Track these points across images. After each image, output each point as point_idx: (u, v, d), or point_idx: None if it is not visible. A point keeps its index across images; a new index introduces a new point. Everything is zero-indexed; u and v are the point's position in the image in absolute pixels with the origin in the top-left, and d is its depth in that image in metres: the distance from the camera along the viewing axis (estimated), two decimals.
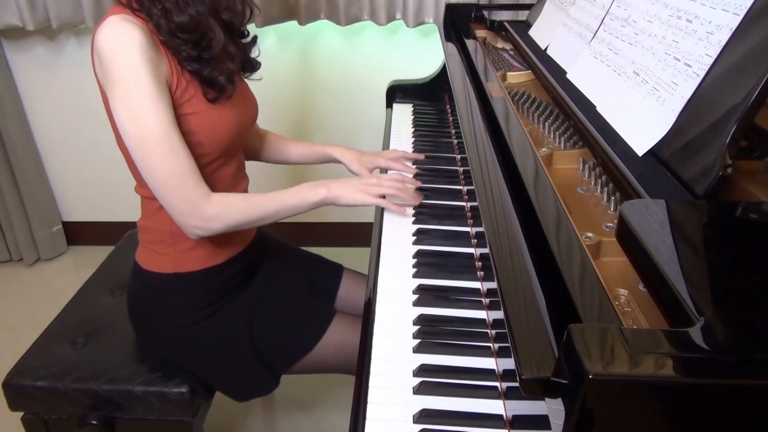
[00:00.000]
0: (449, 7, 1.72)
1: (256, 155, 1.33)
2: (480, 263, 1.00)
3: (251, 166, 1.21)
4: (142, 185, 1.06)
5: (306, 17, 1.95)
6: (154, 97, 0.90)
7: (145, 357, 1.16)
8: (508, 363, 0.77)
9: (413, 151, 1.42)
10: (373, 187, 1.08)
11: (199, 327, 1.10)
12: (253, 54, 1.12)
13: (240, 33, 1.09)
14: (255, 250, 1.21)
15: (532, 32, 1.36)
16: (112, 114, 0.95)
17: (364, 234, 1.49)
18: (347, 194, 1.06)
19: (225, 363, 1.11)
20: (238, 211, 1.01)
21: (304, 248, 1.38)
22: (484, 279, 0.96)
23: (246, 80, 1.15)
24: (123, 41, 0.89)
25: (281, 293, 1.20)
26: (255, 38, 1.13)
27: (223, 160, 1.07)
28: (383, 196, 1.09)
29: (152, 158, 0.92)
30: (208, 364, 1.12)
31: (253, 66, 1.13)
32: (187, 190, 0.95)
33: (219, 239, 1.09)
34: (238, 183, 1.13)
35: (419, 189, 1.17)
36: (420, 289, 0.95)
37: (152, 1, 0.92)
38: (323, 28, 2.04)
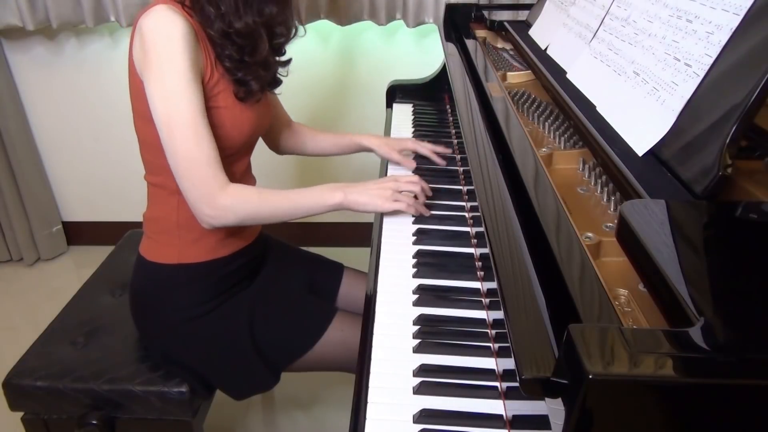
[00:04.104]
0: (449, 7, 1.72)
1: (275, 145, 1.36)
2: (480, 263, 1.00)
3: (260, 162, 1.21)
4: (151, 172, 1.08)
5: (306, 17, 1.95)
6: (189, 83, 0.94)
7: (145, 357, 1.16)
8: (508, 363, 0.78)
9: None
10: (390, 193, 1.08)
11: (201, 321, 1.10)
12: (283, 74, 1.15)
13: (278, 50, 1.11)
14: (258, 247, 1.22)
15: (532, 32, 1.36)
16: (137, 97, 0.99)
17: (364, 234, 1.49)
18: (365, 199, 1.06)
19: (225, 358, 1.12)
20: (251, 206, 1.02)
21: (305, 249, 1.38)
22: (484, 279, 0.96)
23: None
24: (167, 26, 0.93)
25: (283, 290, 1.21)
26: (290, 60, 1.15)
27: (234, 159, 1.10)
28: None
29: (178, 140, 0.95)
30: (208, 359, 1.12)
31: (277, 83, 1.16)
32: (206, 177, 0.97)
33: (224, 233, 1.11)
34: (244, 182, 1.13)
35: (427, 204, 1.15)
36: (420, 289, 0.95)
37: (210, 2, 0.96)
38: (323, 28, 2.04)
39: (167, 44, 0.93)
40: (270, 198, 1.04)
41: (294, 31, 1.10)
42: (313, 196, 1.05)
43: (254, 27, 0.99)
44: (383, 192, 1.07)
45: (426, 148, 1.33)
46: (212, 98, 1.00)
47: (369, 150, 1.36)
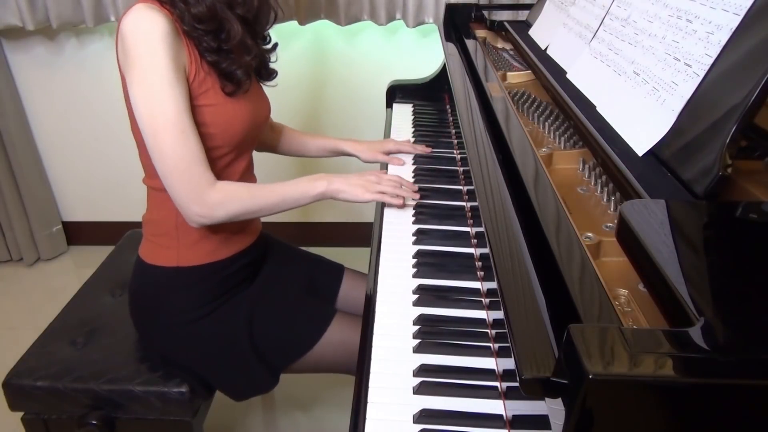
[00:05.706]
0: (449, 7, 1.72)
1: (272, 148, 1.38)
2: (480, 263, 1.00)
3: (260, 155, 1.21)
4: (150, 175, 1.08)
5: (306, 17, 1.95)
6: (171, 82, 0.93)
7: (145, 357, 1.16)
8: (508, 363, 0.78)
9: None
10: (373, 185, 1.11)
11: (200, 324, 1.10)
12: (272, 59, 1.16)
13: (262, 36, 1.12)
14: (258, 249, 1.21)
15: (532, 32, 1.36)
16: (129, 99, 0.98)
17: (364, 234, 1.50)
18: (347, 189, 1.09)
19: (224, 360, 1.11)
20: (240, 201, 1.03)
21: (305, 248, 1.38)
22: (484, 279, 0.96)
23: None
24: (146, 26, 0.92)
25: (282, 292, 1.20)
26: (276, 45, 1.16)
27: (234, 156, 1.09)
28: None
29: (163, 141, 0.95)
30: (207, 361, 1.12)
31: (269, 74, 1.16)
32: (194, 176, 0.97)
33: (224, 235, 1.10)
34: (246, 181, 1.14)
35: (418, 190, 1.18)
36: (420, 289, 0.95)
37: None
38: (323, 28, 2.04)
39: (147, 43, 0.92)
40: (258, 192, 1.05)
41: (270, 10, 1.09)
42: (299, 188, 1.08)
43: (215, 9, 0.97)
44: (365, 184, 1.10)
45: (406, 146, 1.39)
46: (200, 96, 0.99)
47: (352, 155, 1.40)
